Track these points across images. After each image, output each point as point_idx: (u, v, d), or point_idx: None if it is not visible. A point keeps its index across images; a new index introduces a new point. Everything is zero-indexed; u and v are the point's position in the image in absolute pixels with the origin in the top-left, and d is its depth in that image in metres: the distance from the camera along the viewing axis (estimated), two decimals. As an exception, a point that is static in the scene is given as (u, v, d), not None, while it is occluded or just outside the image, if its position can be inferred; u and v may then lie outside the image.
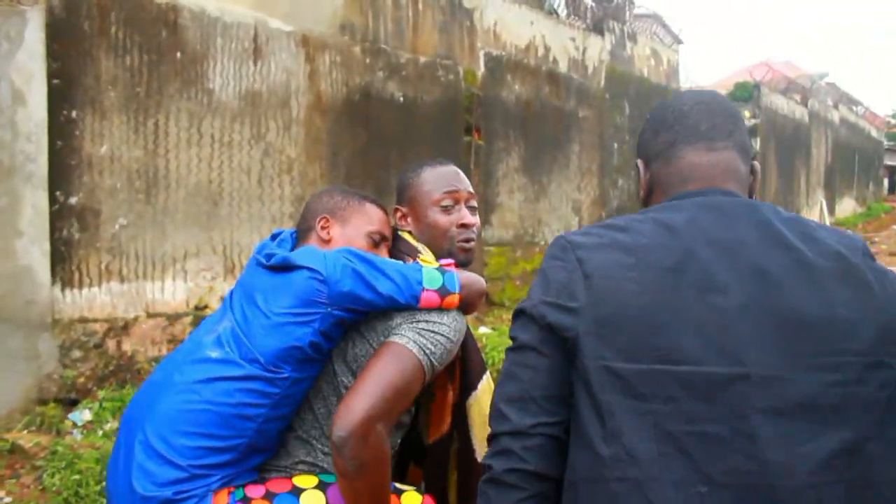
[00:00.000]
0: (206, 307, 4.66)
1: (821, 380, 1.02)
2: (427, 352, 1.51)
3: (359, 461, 1.38)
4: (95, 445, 3.63)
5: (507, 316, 7.06)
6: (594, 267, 1.11)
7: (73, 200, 4.08)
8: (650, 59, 10.76)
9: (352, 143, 5.76)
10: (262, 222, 5.00)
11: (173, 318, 4.52)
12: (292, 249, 1.73)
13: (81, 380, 4.08)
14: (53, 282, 3.99)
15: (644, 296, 1.07)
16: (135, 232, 4.34)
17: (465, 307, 1.65)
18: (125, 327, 4.31)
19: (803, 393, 1.02)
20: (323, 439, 1.58)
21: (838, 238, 1.13)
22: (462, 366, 1.71)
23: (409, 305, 1.56)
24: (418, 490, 1.71)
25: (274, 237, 1.78)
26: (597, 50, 9.31)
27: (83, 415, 3.90)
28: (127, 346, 4.31)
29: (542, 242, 8.18)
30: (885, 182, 28.75)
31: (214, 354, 1.54)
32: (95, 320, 4.19)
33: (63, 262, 4.05)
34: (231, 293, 1.68)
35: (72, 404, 4.00)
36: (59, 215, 4.02)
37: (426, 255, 1.75)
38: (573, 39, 8.83)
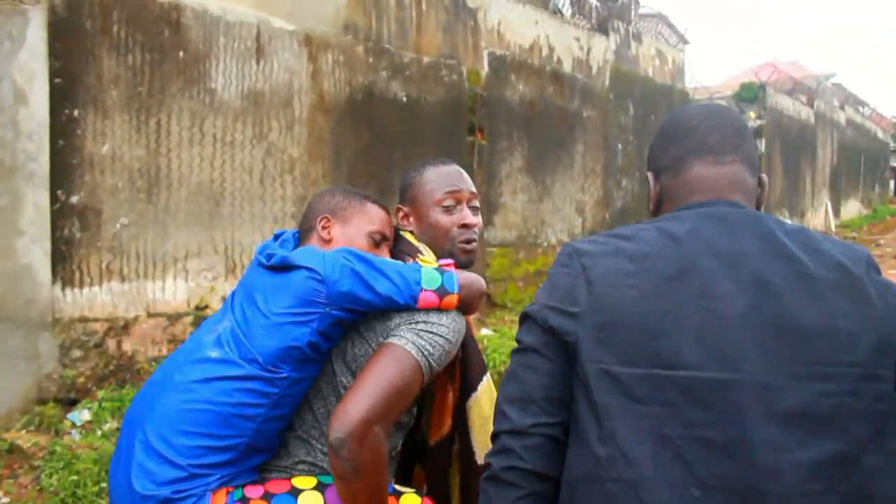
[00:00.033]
0: (206, 307, 4.65)
1: (815, 389, 1.04)
2: (425, 353, 1.50)
3: (356, 463, 1.37)
4: (94, 446, 3.63)
5: (510, 317, 7.04)
6: (597, 274, 1.14)
7: (74, 199, 4.08)
8: (655, 60, 10.73)
9: (355, 143, 5.75)
10: (263, 222, 4.99)
11: (174, 317, 4.51)
12: (294, 249, 1.72)
13: (81, 379, 4.08)
14: (54, 281, 3.99)
15: (644, 302, 1.09)
16: (136, 231, 4.33)
17: (465, 308, 1.64)
18: (125, 327, 4.30)
19: (797, 401, 1.03)
20: (323, 439, 1.57)
21: (843, 250, 1.14)
22: (462, 367, 1.70)
23: (407, 306, 1.55)
24: (418, 492, 1.70)
25: (276, 237, 1.78)
26: (601, 50, 9.27)
27: (82, 415, 3.89)
28: (127, 346, 4.30)
29: (546, 244, 8.16)
30: (892, 184, 28.62)
31: (214, 354, 1.54)
32: (96, 320, 4.18)
33: (64, 262, 4.04)
34: (233, 293, 1.68)
35: (71, 404, 3.99)
36: (60, 214, 4.01)
37: (427, 255, 1.74)
38: (577, 39, 8.80)
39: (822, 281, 1.09)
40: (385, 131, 6.01)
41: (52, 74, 3.95)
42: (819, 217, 18.20)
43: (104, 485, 3.40)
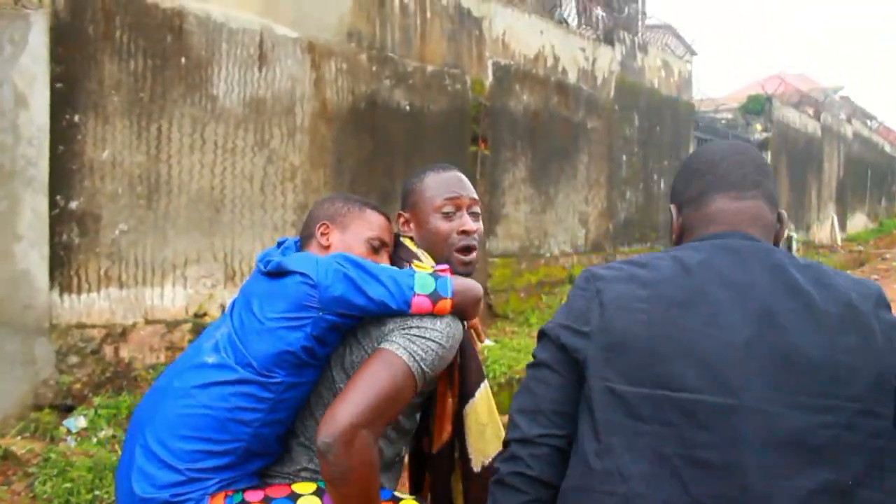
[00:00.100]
0: (205, 315, 4.62)
1: (812, 420, 1.08)
2: (417, 358, 1.51)
3: (343, 467, 1.38)
4: (89, 453, 3.60)
5: (511, 328, 7.00)
6: (610, 297, 1.21)
7: (73, 205, 4.06)
8: (661, 71, 10.71)
9: (357, 152, 5.73)
10: (264, 230, 4.97)
11: (172, 325, 4.49)
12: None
13: (77, 386, 4.05)
14: (52, 286, 3.97)
15: (653, 327, 1.15)
16: (135, 237, 4.32)
17: (460, 313, 1.63)
18: (123, 334, 4.28)
19: (794, 430, 1.07)
20: None
21: (853, 285, 1.18)
22: (461, 373, 1.70)
23: (400, 311, 1.55)
24: (418, 498, 1.71)
25: (279, 245, 1.80)
26: (607, 60, 9.26)
27: (78, 421, 3.86)
28: (124, 353, 4.28)
29: (548, 254, 8.12)
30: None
31: (211, 360, 1.56)
32: (93, 326, 4.16)
33: (62, 267, 4.02)
34: (234, 301, 1.70)
35: (67, 411, 3.97)
36: (59, 220, 3.99)
37: (426, 260, 1.75)
38: (583, 50, 8.79)
39: (828, 315, 1.12)
40: (388, 140, 6.00)
41: (54, 79, 3.95)
42: (825, 230, 18.12)
43: (98, 492, 3.38)
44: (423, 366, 1.51)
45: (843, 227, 19.29)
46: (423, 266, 1.71)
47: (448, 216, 1.78)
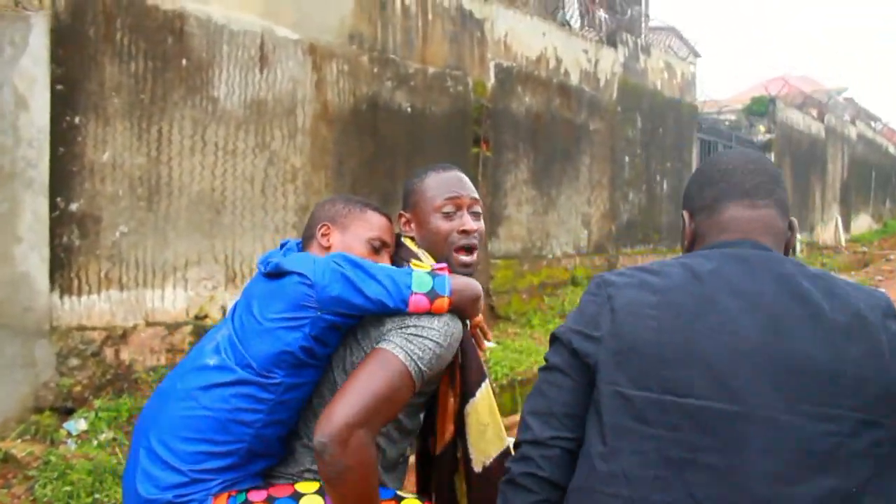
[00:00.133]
0: (206, 317, 4.61)
1: (817, 428, 1.09)
2: (414, 357, 1.51)
3: (340, 467, 1.39)
4: (89, 456, 3.59)
5: (513, 330, 6.98)
6: (621, 303, 1.23)
7: (73, 207, 4.06)
8: (664, 72, 10.69)
9: (358, 153, 5.72)
10: (265, 231, 4.96)
11: (173, 327, 4.48)
12: None
13: (78, 388, 4.04)
14: (52, 289, 3.96)
15: (662, 333, 1.17)
16: (136, 239, 4.31)
17: (459, 312, 1.63)
18: (124, 336, 4.27)
19: (799, 437, 1.09)
20: None
21: (863, 296, 1.19)
22: (462, 372, 1.70)
23: (398, 310, 1.56)
24: (420, 497, 1.72)
25: (282, 246, 1.81)
26: (609, 62, 9.25)
27: (78, 424, 3.85)
28: (125, 355, 4.27)
29: (550, 256, 8.10)
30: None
31: (212, 362, 1.58)
32: (94, 328, 4.15)
33: (62, 269, 4.02)
34: (236, 303, 1.71)
35: (67, 413, 3.96)
36: (59, 222, 3.99)
37: (426, 260, 1.75)
38: (585, 51, 8.78)
39: (836, 325, 1.14)
40: (389, 142, 5.99)
41: (54, 81, 3.94)
42: (829, 231, 18.08)
43: (98, 496, 3.37)
44: (420, 365, 1.51)
45: (847, 228, 19.24)
46: (422, 265, 1.71)
47: (448, 216, 1.77)
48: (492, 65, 7.21)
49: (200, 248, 4.62)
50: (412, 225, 1.83)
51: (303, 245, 1.80)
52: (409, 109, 6.19)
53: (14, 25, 3.80)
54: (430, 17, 6.40)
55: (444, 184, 1.80)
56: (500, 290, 7.25)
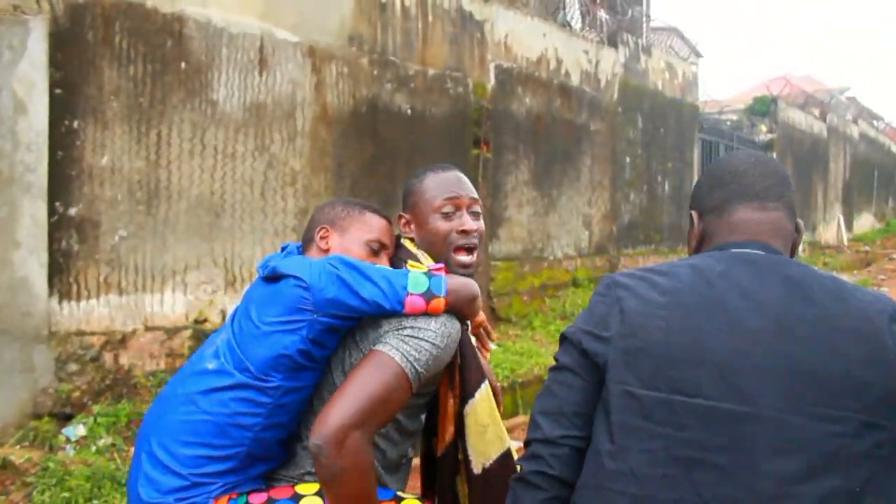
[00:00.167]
0: (205, 321, 4.60)
1: (822, 429, 1.11)
2: (410, 358, 1.51)
3: (336, 469, 1.40)
4: (87, 462, 3.57)
5: (514, 332, 6.96)
6: (630, 304, 1.25)
7: (72, 211, 4.05)
8: (665, 73, 10.67)
9: (358, 156, 5.71)
10: (264, 235, 4.95)
11: (172, 331, 4.47)
12: None
13: (77, 394, 4.03)
14: (51, 293, 3.95)
15: (671, 333, 1.19)
16: (135, 244, 4.29)
17: (456, 312, 1.63)
18: (123, 341, 4.26)
19: (805, 438, 1.11)
20: None
21: (870, 299, 1.21)
22: (460, 373, 1.70)
23: (394, 311, 1.56)
24: (420, 498, 1.72)
25: (283, 250, 1.82)
26: (610, 63, 9.22)
27: (77, 430, 3.84)
28: (124, 360, 4.25)
29: (551, 257, 8.08)
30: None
31: (211, 366, 1.59)
32: (93, 333, 4.14)
33: (61, 274, 4.00)
34: (237, 307, 1.72)
35: (66, 419, 3.94)
36: (57, 226, 3.98)
37: (425, 261, 1.75)
38: (586, 52, 8.75)
39: (842, 328, 1.15)
40: (389, 144, 5.97)
41: (53, 85, 3.93)
42: (831, 231, 18.05)
43: (96, 502, 3.36)
44: (416, 366, 1.51)
45: (849, 227, 19.21)
46: (419, 266, 1.71)
47: (447, 216, 1.77)
48: (492, 66, 7.19)
49: (200, 251, 4.60)
50: (412, 226, 1.82)
51: (302, 248, 1.80)
52: (409, 111, 6.18)
53: (13, 30, 3.79)
54: (430, 18, 6.39)
55: (443, 184, 1.80)
56: (501, 292, 7.23)
